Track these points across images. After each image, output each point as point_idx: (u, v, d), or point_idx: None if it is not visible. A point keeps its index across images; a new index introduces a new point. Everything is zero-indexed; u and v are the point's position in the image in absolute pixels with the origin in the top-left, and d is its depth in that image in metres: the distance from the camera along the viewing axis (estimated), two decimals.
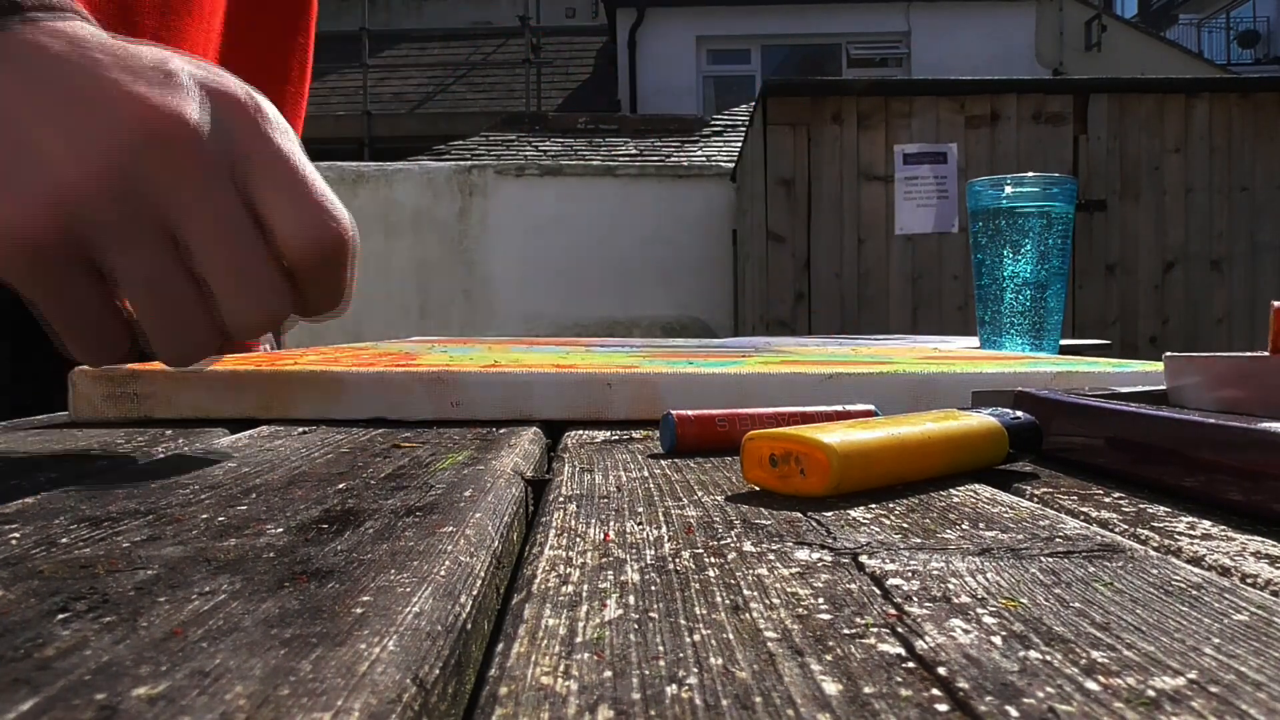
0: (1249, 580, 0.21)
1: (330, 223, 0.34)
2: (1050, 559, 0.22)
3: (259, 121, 0.35)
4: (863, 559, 0.22)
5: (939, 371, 0.52)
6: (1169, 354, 0.42)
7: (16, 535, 0.25)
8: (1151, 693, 0.15)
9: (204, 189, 0.33)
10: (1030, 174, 0.94)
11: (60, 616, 0.18)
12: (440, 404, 0.49)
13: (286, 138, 0.35)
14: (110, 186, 0.32)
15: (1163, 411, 0.33)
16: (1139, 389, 0.43)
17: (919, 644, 0.17)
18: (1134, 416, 0.33)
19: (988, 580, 0.21)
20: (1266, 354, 0.38)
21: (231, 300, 0.34)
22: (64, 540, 0.24)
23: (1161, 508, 0.29)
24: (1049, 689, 0.15)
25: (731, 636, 0.17)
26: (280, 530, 0.25)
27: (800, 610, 0.19)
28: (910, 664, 0.16)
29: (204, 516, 0.27)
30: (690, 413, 0.39)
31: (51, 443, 0.42)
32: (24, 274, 0.33)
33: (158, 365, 0.51)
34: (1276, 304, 0.40)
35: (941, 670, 0.15)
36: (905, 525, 0.26)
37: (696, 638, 0.17)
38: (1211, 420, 0.30)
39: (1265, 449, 0.27)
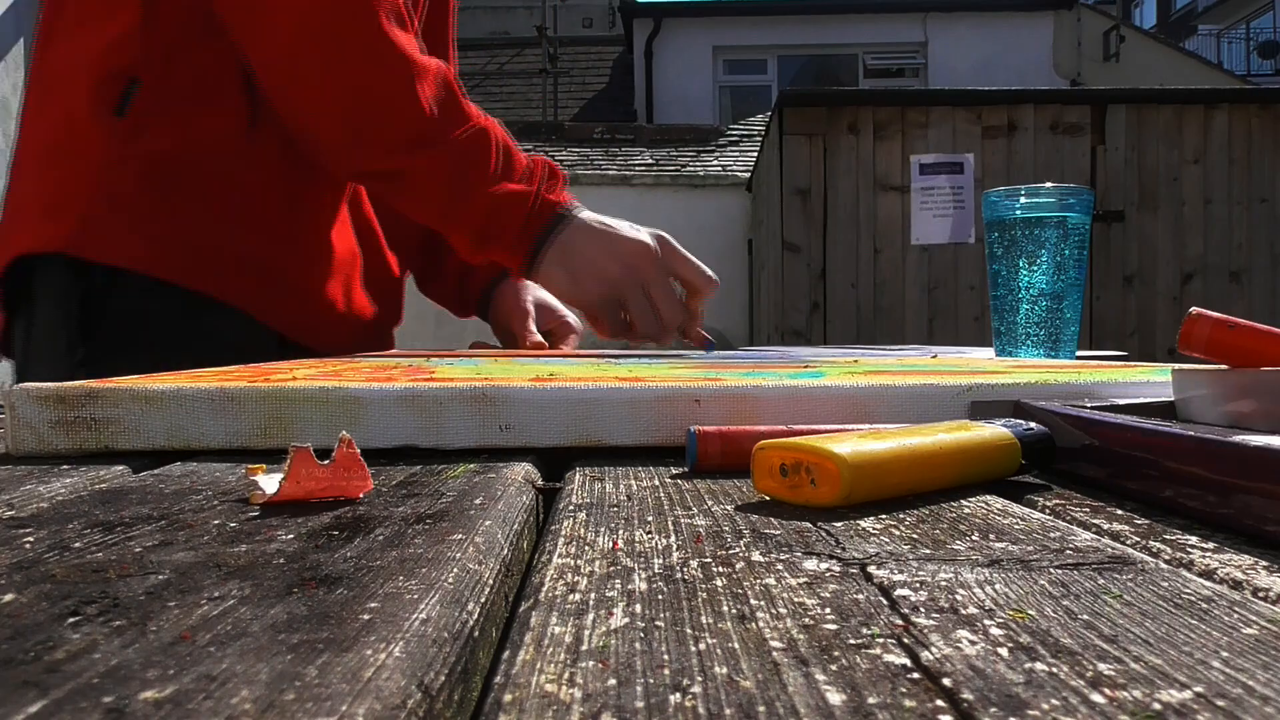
0: (1260, 594, 0.21)
1: (708, 273, 0.96)
2: (1060, 571, 0.22)
3: (665, 240, 0.94)
4: (871, 569, 0.22)
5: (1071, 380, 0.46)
6: (1176, 367, 0.41)
7: (30, 539, 0.25)
8: (1157, 706, 0.14)
9: (657, 273, 0.92)
10: (1047, 184, 0.94)
11: (71, 620, 0.18)
12: (486, 428, 0.41)
13: (675, 245, 0.95)
14: (625, 278, 0.91)
15: (1139, 422, 0.33)
16: (1142, 400, 0.42)
17: (924, 655, 0.17)
18: (1117, 428, 0.33)
19: (996, 591, 0.21)
20: (1275, 368, 0.37)
21: (667, 314, 0.93)
22: (77, 545, 0.24)
23: (1177, 520, 0.29)
24: (1054, 701, 0.15)
25: (737, 646, 0.17)
26: (291, 536, 0.25)
27: (807, 620, 0.19)
28: (915, 675, 0.16)
29: (216, 522, 0.27)
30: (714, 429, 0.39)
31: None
32: (595, 307, 0.93)
33: (126, 381, 0.44)
34: (1193, 310, 0.40)
35: (946, 681, 0.15)
36: (915, 536, 0.26)
37: (702, 646, 0.17)
38: (1190, 432, 0.30)
39: (1226, 459, 0.26)
